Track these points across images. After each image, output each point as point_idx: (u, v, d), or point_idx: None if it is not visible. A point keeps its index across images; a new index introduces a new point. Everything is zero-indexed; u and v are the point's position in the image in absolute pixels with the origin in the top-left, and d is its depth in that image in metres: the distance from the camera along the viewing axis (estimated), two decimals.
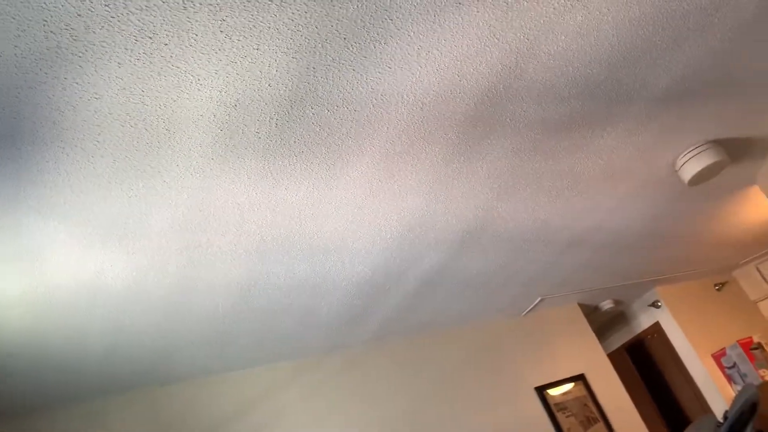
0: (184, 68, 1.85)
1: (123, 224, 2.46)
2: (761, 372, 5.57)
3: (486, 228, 3.64)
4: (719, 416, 3.23)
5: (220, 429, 4.00)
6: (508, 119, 2.70)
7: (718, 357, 5.88)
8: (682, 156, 3.61)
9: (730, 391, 5.70)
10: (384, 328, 4.56)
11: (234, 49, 1.85)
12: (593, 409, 5.24)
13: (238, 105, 2.08)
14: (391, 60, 2.13)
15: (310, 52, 1.96)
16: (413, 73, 2.23)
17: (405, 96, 2.34)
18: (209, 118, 2.09)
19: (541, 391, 5.13)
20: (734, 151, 3.78)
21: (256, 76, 1.98)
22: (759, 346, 5.82)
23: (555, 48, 2.36)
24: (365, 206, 2.97)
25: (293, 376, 4.40)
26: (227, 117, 2.11)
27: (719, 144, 3.61)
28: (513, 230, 3.81)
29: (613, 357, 6.15)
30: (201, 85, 1.94)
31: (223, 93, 2.00)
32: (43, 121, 1.87)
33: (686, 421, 5.29)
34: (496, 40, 2.21)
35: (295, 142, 2.36)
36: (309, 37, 1.90)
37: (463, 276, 4.18)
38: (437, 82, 2.32)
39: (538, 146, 3.00)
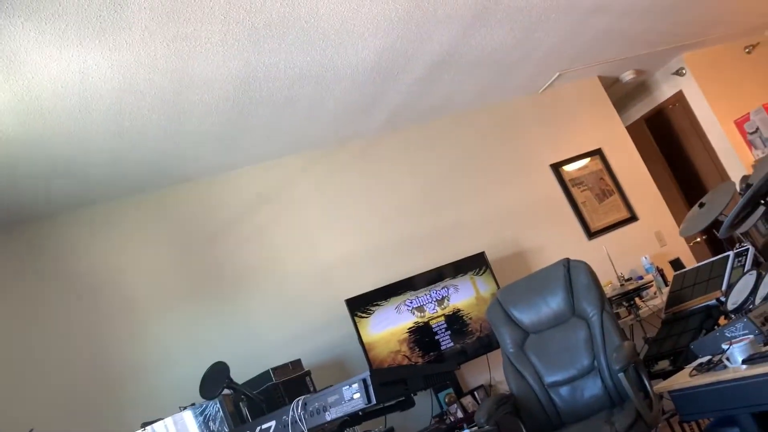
0: None
1: (96, 17, 2.22)
2: None
3: None
4: (737, 184, 3.17)
5: (236, 222, 4.06)
6: None
7: (740, 123, 5.71)
8: None
9: (750, 157, 5.63)
10: (395, 116, 4.40)
11: None
12: (609, 182, 5.24)
13: None
14: None
15: None
16: None
17: None
18: None
19: (556, 167, 5.09)
20: None
21: None
22: None
23: None
24: None
25: (305, 168, 4.34)
26: None
27: None
28: None
29: (631, 129, 5.98)
30: None
31: None
32: None
33: (703, 191, 5.29)
34: None
35: None
36: None
37: (476, 54, 3.90)
38: None
39: None
